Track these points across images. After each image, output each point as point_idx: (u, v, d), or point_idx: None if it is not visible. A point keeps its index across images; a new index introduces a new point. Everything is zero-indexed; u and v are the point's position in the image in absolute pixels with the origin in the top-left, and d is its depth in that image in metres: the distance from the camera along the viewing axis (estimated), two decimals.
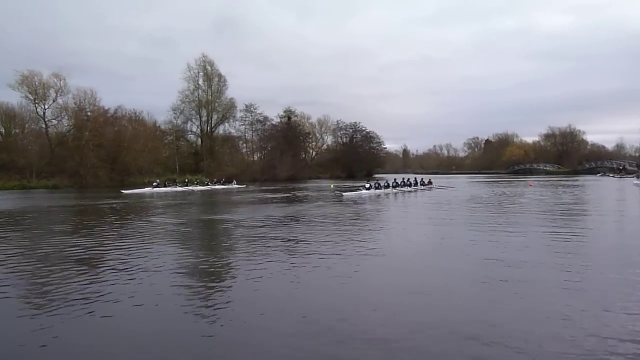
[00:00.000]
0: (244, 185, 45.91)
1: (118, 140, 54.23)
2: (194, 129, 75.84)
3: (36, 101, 52.05)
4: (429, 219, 16.85)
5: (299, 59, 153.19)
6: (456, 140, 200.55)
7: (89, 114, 55.24)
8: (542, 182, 50.32)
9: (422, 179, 38.54)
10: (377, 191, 30.31)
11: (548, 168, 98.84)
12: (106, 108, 63.22)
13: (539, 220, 15.58)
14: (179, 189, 37.96)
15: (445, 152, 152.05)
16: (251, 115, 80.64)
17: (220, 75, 74.74)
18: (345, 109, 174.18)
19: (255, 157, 79.31)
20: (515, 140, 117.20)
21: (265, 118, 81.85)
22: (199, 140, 75.82)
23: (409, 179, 35.78)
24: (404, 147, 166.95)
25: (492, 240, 11.42)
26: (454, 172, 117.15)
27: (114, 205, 24.80)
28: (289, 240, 11.82)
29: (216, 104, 75.03)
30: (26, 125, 54.27)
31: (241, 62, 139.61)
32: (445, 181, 57.32)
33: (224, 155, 72.50)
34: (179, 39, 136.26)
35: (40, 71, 51.91)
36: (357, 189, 30.38)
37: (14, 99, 53.61)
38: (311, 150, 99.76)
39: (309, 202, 26.31)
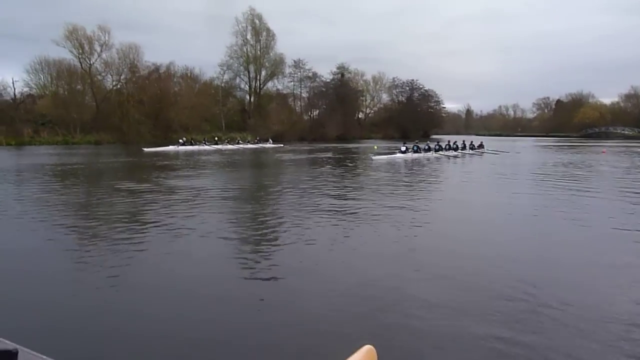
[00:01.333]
0: (281, 145, 43.70)
1: (160, 96, 53.35)
2: (242, 86, 74.22)
3: (81, 56, 51.81)
4: (453, 195, 13.72)
5: (357, 16, 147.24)
6: (524, 100, 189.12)
7: (134, 69, 54.54)
8: (618, 148, 44.40)
9: (471, 142, 34.51)
10: (415, 155, 26.99)
11: (627, 132, 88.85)
12: (157, 64, 63.15)
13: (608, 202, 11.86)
14: (206, 147, 36.28)
15: (512, 113, 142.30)
16: (300, 72, 77.68)
17: (268, 30, 72.06)
18: (405, 67, 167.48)
19: (305, 115, 76.49)
20: (590, 101, 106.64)
21: (315, 74, 78.58)
22: (247, 97, 74.32)
23: (455, 142, 31.99)
24: (467, 107, 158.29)
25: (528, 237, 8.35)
26: (519, 134, 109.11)
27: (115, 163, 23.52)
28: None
29: (264, 60, 72.67)
30: (72, 81, 54.29)
31: (299, 18, 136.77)
32: (507, 144, 52.54)
33: (271, 113, 70.34)
34: None
35: (83, 26, 51.27)
36: (394, 152, 27.34)
37: (61, 54, 53.60)
38: (364, 109, 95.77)
39: (329, 165, 23.66)
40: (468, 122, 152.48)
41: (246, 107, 72.27)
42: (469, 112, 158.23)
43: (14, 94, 47.30)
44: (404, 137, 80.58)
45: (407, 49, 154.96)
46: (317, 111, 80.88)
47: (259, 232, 8.30)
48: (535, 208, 10.56)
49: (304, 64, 77.03)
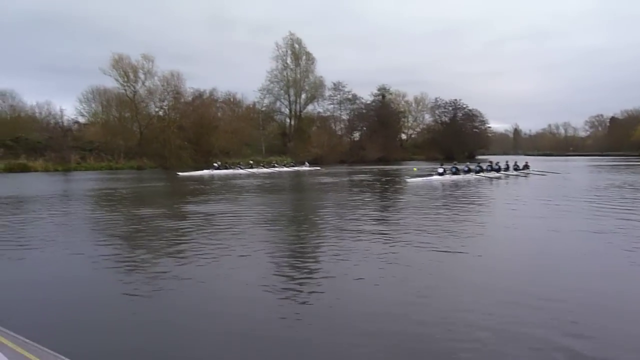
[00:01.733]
0: (318, 168, 43.06)
1: (201, 121, 54.28)
2: (283, 109, 74.73)
3: (126, 84, 53.60)
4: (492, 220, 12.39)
5: (398, 39, 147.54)
6: (576, 118, 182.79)
7: (176, 95, 55.91)
8: None
9: (515, 162, 32.60)
10: (454, 177, 25.54)
11: None
12: (201, 90, 64.74)
13: None
14: (241, 171, 36.11)
15: (563, 132, 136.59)
16: (340, 94, 77.52)
17: (308, 54, 72.48)
18: (449, 88, 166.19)
19: (345, 138, 75.90)
20: None
21: (355, 96, 78.19)
22: (288, 120, 74.73)
23: (497, 163, 30.26)
24: (514, 127, 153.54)
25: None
26: (571, 153, 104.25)
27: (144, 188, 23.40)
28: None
29: (304, 83, 73.04)
30: (120, 108, 56.19)
31: (339, 44, 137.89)
32: (557, 165, 49.77)
33: (311, 136, 70.21)
34: (282, 26, 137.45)
35: (128, 55, 53.19)
36: (431, 174, 26.00)
37: (109, 83, 55.73)
38: (406, 130, 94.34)
39: (361, 188, 22.68)
40: (516, 142, 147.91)
41: (286, 131, 72.57)
42: (517, 131, 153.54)
43: (62, 122, 49.32)
44: (448, 159, 78.18)
45: (450, 70, 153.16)
46: (358, 133, 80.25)
47: (299, 263, 7.49)
48: (589, 240, 9.22)
49: (344, 86, 76.96)
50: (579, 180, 26.34)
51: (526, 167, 32.58)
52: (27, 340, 1.38)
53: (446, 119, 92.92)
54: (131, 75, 53.94)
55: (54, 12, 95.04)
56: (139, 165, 48.21)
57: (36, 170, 41.99)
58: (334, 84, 76.22)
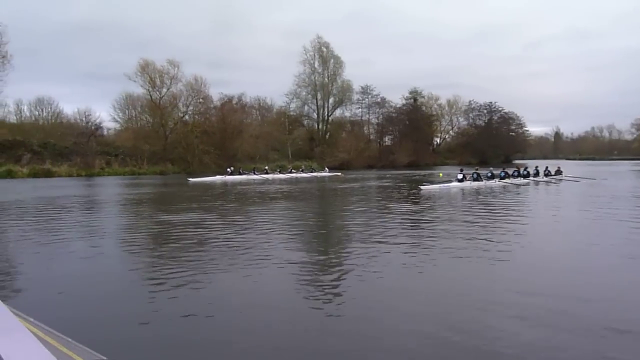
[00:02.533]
0: (338, 173, 41.62)
1: (224, 126, 53.89)
2: (311, 114, 73.67)
3: (151, 89, 53.73)
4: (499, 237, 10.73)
5: (433, 43, 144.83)
6: (621, 121, 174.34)
7: (201, 100, 55.79)
8: None
9: (546, 167, 30.32)
10: (475, 184, 23.63)
11: None
12: (230, 95, 64.64)
13: None
14: (255, 176, 35.09)
15: (607, 135, 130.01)
16: (368, 98, 75.88)
17: (336, 57, 71.13)
18: (486, 92, 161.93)
19: (374, 143, 74.03)
20: None
21: (384, 100, 76.31)
22: (316, 125, 73.58)
23: (526, 168, 28.13)
24: (555, 130, 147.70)
25: None
26: (615, 157, 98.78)
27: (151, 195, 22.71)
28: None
29: (332, 87, 71.81)
30: (144, 114, 56.49)
31: (374, 48, 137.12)
32: (597, 169, 46.74)
33: (339, 141, 68.86)
34: (316, 30, 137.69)
35: (153, 60, 53.32)
36: (450, 180, 24.13)
37: (135, 89, 56.11)
38: (439, 134, 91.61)
39: (372, 195, 21.24)
40: (557, 146, 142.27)
41: (314, 136, 71.38)
42: (557, 135, 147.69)
43: (90, 127, 49.84)
44: (483, 163, 75.37)
45: (487, 73, 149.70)
46: (388, 137, 78.45)
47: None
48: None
49: (372, 90, 75.29)
50: (614, 187, 23.96)
51: (558, 172, 30.23)
52: (70, 340, 1.39)
53: (480, 122, 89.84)
54: (158, 81, 54.05)
55: (97, 21, 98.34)
56: (162, 170, 48.08)
57: (60, 176, 42.28)
58: (362, 88, 74.83)
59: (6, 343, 0.91)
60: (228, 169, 36.01)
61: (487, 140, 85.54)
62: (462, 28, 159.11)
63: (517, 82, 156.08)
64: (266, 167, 40.94)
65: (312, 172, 40.77)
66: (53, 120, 59.02)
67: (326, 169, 43.67)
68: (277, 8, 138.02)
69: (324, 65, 70.94)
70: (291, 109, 71.77)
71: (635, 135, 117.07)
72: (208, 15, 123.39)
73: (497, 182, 24.40)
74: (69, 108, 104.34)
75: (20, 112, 59.89)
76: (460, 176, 23.33)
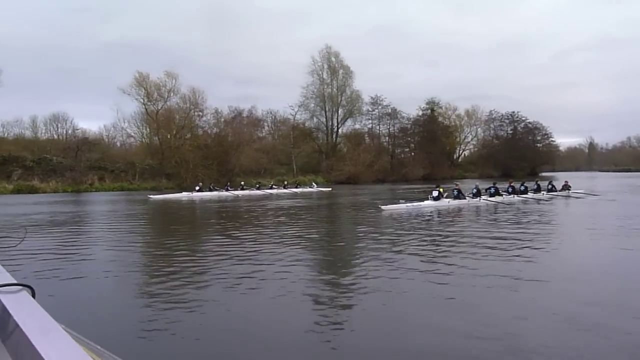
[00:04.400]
0: (329, 189, 38.60)
1: (220, 140, 51.94)
2: (320, 126, 71.07)
3: (147, 102, 52.32)
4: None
5: (459, 54, 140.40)
6: None
7: (199, 113, 54.17)
8: None
9: (550, 182, 26.55)
10: (456, 202, 20.25)
11: None
12: (240, 109, 63.03)
13: None
14: (227, 193, 32.39)
15: None
16: (378, 109, 72.72)
17: (345, 67, 68.76)
18: (515, 102, 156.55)
19: (384, 155, 70.45)
20: None
21: (395, 110, 72.90)
22: (325, 137, 70.97)
23: (523, 184, 24.45)
24: (589, 140, 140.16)
25: None
26: None
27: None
28: None
29: (341, 98, 69.21)
30: (141, 128, 55.25)
31: (402, 62, 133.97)
32: (627, 182, 42.28)
33: (348, 154, 65.93)
34: (340, 45, 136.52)
35: (148, 73, 51.96)
36: (423, 199, 20.68)
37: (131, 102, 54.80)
38: (458, 146, 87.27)
39: (316, 216, 18.37)
40: (591, 157, 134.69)
41: (323, 149, 68.65)
42: (592, 145, 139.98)
43: (74, 142, 48.72)
44: (506, 176, 70.76)
45: (515, 83, 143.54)
46: (400, 150, 75.02)
47: None
48: None
49: (382, 100, 72.13)
50: (622, 206, 20.32)
51: (566, 187, 26.46)
52: (99, 347, 1.36)
53: (503, 133, 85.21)
54: (155, 94, 52.67)
55: (131, 42, 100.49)
56: (153, 186, 46.28)
57: (45, 192, 41.07)
58: (372, 98, 71.75)
59: (45, 343, 0.93)
60: (197, 186, 33.52)
61: (511, 151, 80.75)
62: (488, 38, 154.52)
63: (548, 92, 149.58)
64: (242, 183, 38.14)
65: (296, 187, 37.81)
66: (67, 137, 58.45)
67: (314, 184, 40.67)
68: (302, 26, 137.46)
69: (332, 75, 68.57)
70: (299, 120, 69.42)
71: None
72: (234, 36, 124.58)
73: (483, 201, 20.92)
74: (96, 125, 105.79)
75: (36, 128, 59.79)
76: (435, 193, 20.01)
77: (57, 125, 59.97)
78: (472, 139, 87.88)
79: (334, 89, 68.52)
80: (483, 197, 21.47)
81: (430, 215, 16.89)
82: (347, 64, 69.00)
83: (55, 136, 58.80)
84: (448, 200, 20.20)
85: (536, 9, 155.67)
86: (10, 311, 1.12)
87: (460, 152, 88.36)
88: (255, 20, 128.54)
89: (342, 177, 58.89)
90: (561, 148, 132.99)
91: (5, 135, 56.36)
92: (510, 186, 23.43)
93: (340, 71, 68.65)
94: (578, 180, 65.37)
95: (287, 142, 64.56)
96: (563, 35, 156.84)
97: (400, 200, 19.92)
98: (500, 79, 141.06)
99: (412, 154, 74.83)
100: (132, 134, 56.46)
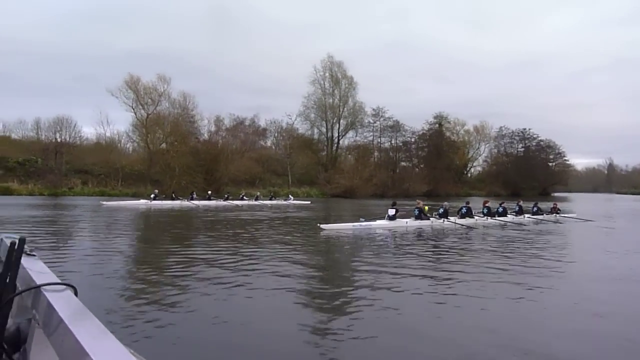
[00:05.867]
0: (308, 202, 36.30)
1: (208, 149, 50.21)
2: (321, 137, 68.97)
3: (136, 106, 50.90)
4: None
5: (475, 71, 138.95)
6: None
7: (190, 119, 52.62)
8: None
9: (535, 204, 23.85)
10: (417, 222, 17.73)
11: None
12: (242, 117, 61.64)
13: None
14: (187, 203, 30.13)
15: None
16: (380, 121, 70.32)
17: (348, 77, 66.64)
18: (530, 122, 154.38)
19: (385, 169, 67.74)
20: None
21: (398, 123, 70.42)
22: (325, 149, 68.79)
23: (501, 204, 21.89)
24: (609, 162, 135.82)
25: None
26: None
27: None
28: None
29: (344, 109, 67.05)
30: (132, 133, 53.92)
31: (418, 78, 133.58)
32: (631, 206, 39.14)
33: (347, 166, 63.58)
34: (354, 59, 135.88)
35: (139, 76, 50.58)
36: (376, 218, 18.18)
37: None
38: (468, 163, 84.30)
39: (249, 231, 16.17)
40: (610, 179, 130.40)
41: (322, 160, 66.34)
42: (611, 166, 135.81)
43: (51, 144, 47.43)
44: (515, 195, 67.59)
45: (531, 102, 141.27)
46: (403, 165, 72.44)
47: None
48: None
49: (384, 112, 69.76)
50: (616, 235, 17.75)
51: (555, 210, 23.78)
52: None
53: (513, 150, 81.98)
54: (147, 98, 51.27)
55: (147, 51, 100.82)
56: (135, 192, 44.59)
57: (20, 194, 39.73)
58: (374, 110, 69.50)
59: (89, 340, 0.96)
60: (152, 194, 31.52)
61: (521, 170, 77.65)
62: (503, 56, 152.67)
63: (563, 112, 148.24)
64: (209, 192, 35.80)
65: (271, 199, 35.55)
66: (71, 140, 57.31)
67: (290, 197, 38.33)
68: (318, 39, 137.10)
69: (335, 85, 66.53)
70: (299, 131, 67.50)
71: None
72: (250, 48, 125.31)
73: (449, 222, 18.37)
74: (110, 130, 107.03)
75: (38, 131, 58.72)
76: (392, 212, 17.62)
77: (60, 129, 59.29)
78: (480, 156, 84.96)
79: (336, 100, 66.46)
80: (451, 218, 18.97)
81: (374, 239, 14.52)
82: (351, 74, 67.03)
83: (59, 139, 58.08)
84: (406, 220, 17.75)
85: (552, 28, 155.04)
86: (56, 308, 1.16)
87: (469, 168, 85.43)
88: (273, 34, 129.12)
89: (338, 190, 56.58)
90: (579, 168, 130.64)
91: (7, 134, 55.66)
92: (484, 207, 20.86)
93: (343, 81, 66.65)
94: (593, 201, 62.47)
95: (284, 152, 62.58)
96: (579, 55, 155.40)
97: (361, 219, 17.61)
98: (514, 97, 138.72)
99: (416, 169, 72.18)
100: (130, 139, 55.49)
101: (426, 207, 20.23)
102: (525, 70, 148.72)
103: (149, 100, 51.11)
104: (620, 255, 11.54)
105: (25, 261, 1.51)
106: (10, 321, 1.36)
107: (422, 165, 72.25)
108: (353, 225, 16.21)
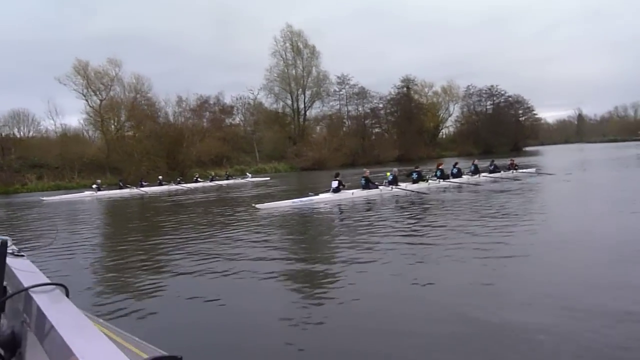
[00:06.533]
0: (267, 178, 35.32)
1: (166, 132, 48.44)
2: (287, 111, 67.26)
3: (87, 93, 48.59)
4: None
5: (444, 31, 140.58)
6: None
7: (146, 102, 50.60)
8: None
9: (473, 162, 22.92)
10: (364, 192, 16.83)
11: None
12: (205, 96, 59.57)
13: None
14: (137, 190, 28.42)
15: (632, 113, 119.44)
16: (345, 89, 68.87)
17: (310, 47, 64.62)
18: (500, 79, 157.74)
19: (354, 138, 66.61)
20: None
21: (364, 90, 69.06)
22: (292, 122, 67.27)
23: (456, 164, 21.12)
24: (578, 112, 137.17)
25: None
26: (638, 138, 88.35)
27: None
28: None
29: (308, 80, 65.32)
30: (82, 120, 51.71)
31: (388, 42, 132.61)
32: (607, 152, 39.25)
33: (316, 138, 62.46)
34: (325, 29, 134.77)
35: (88, 60, 48.11)
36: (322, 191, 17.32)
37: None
38: (439, 125, 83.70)
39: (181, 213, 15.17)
40: (580, 129, 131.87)
41: (290, 135, 64.83)
42: (581, 117, 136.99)
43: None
44: (487, 153, 67.58)
45: (502, 59, 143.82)
46: (373, 131, 71.47)
47: None
48: None
49: (349, 79, 68.24)
50: (573, 188, 17.25)
51: (513, 166, 23.15)
52: (136, 338, 1.45)
53: (481, 108, 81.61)
54: (98, 84, 48.97)
55: (119, 34, 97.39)
56: (92, 183, 42.90)
57: None
58: (339, 78, 67.76)
59: (79, 341, 0.96)
60: (94, 184, 30.08)
61: (491, 127, 77.34)
62: (472, 15, 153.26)
63: (535, 66, 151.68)
64: (160, 177, 34.08)
65: (227, 179, 34.32)
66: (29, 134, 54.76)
67: (248, 175, 37.18)
68: (286, 9, 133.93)
69: (297, 56, 64.63)
70: (264, 105, 65.70)
71: None
72: (217, 23, 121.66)
73: (395, 190, 17.53)
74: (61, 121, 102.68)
75: None
76: (335, 184, 16.73)
77: (17, 122, 56.55)
78: (450, 117, 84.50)
79: (299, 70, 64.67)
80: (402, 184, 18.16)
81: (312, 214, 13.61)
82: (313, 43, 65.07)
83: (18, 135, 55.49)
84: (352, 191, 16.85)
85: None
86: (45, 311, 1.15)
87: (441, 130, 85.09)
88: (235, 7, 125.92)
89: (307, 163, 55.48)
90: (550, 121, 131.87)
91: None
92: (438, 169, 20.07)
93: (305, 51, 64.71)
94: (562, 153, 62.62)
95: (249, 129, 61.08)
96: (547, 9, 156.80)
97: (310, 193, 16.71)
98: (487, 55, 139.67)
99: (386, 135, 71.38)
100: (85, 128, 53.19)
101: (388, 174, 19.38)
102: (495, 28, 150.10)
103: (101, 85, 48.84)
104: (570, 214, 10.87)
105: (13, 262, 1.48)
106: (4, 324, 1.33)
107: (393, 131, 71.36)
108: (293, 202, 15.21)
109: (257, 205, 14.57)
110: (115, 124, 48.32)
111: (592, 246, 7.25)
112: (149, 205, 21.23)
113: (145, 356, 1.19)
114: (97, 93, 48.73)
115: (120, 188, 29.14)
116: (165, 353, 1.06)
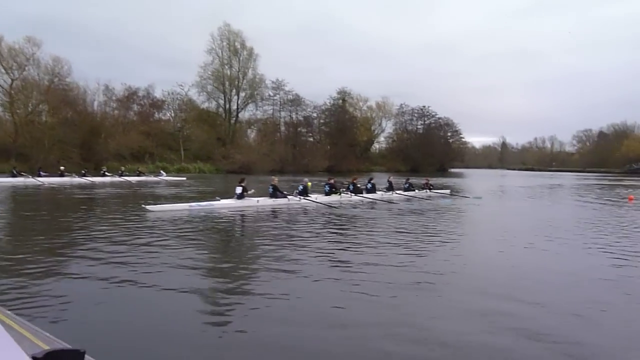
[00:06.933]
0: (183, 178, 33.97)
1: (84, 120, 45.43)
2: (219, 110, 65.44)
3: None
4: None
5: (384, 56, 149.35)
6: (563, 133, 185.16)
7: (65, 87, 47.20)
8: None
9: (407, 180, 23.19)
10: (269, 202, 16.26)
11: None
12: (134, 87, 56.49)
13: None
14: (33, 180, 26.09)
15: (549, 146, 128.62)
16: (280, 94, 68.23)
17: (247, 48, 63.40)
18: (437, 101, 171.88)
19: (285, 144, 66.00)
20: (637, 132, 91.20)
21: (298, 97, 68.81)
22: (224, 123, 65.49)
23: (370, 181, 21.07)
24: (502, 140, 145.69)
25: None
26: (553, 169, 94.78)
27: None
28: None
29: (242, 81, 63.94)
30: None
31: (328, 58, 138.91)
32: (517, 180, 41.03)
33: (246, 141, 61.20)
34: (268, 38, 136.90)
35: (1, 34, 44.20)
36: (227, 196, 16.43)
37: None
38: (368, 138, 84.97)
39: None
40: (503, 156, 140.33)
41: (219, 135, 62.92)
42: (504, 145, 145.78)
43: None
44: (414, 171, 69.26)
45: (439, 85, 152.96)
46: (304, 140, 71.22)
47: None
48: None
49: (284, 85, 67.77)
50: (479, 210, 17.48)
51: (427, 186, 23.42)
52: (32, 325, 1.40)
53: (412, 127, 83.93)
54: (11, 62, 45.06)
55: (51, 16, 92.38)
56: None
57: None
58: (274, 82, 67.12)
59: None
60: (13, 170, 27.56)
61: (420, 147, 79.69)
62: (413, 42, 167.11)
63: (467, 95, 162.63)
64: (62, 167, 31.61)
65: (138, 175, 32.56)
66: None
67: (162, 172, 35.56)
68: (235, 14, 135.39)
69: (233, 56, 63.13)
70: (196, 102, 63.54)
71: (576, 148, 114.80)
72: (160, 18, 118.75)
73: (303, 201, 17.05)
74: None
75: None
76: (239, 190, 15.92)
77: None
78: (382, 132, 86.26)
79: (235, 71, 63.21)
80: (312, 196, 17.65)
81: (210, 221, 12.61)
82: (251, 45, 63.91)
83: None
84: (257, 199, 16.11)
85: (455, 16, 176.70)
86: None
87: (367, 144, 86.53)
88: (187, 4, 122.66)
89: (234, 166, 54.09)
90: (477, 146, 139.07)
91: None
92: (351, 183, 19.80)
93: (243, 52, 63.44)
94: (487, 177, 65.46)
95: (176, 126, 58.74)
96: (482, 43, 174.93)
97: (216, 198, 15.74)
98: (422, 82, 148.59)
99: (318, 144, 71.39)
100: None
101: (309, 183, 18.88)
102: (432, 55, 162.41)
103: (14, 64, 44.99)
104: (472, 238, 10.73)
105: None
106: None
107: (324, 141, 71.52)
108: (190, 206, 14.23)
109: (148, 207, 13.44)
110: (29, 106, 44.46)
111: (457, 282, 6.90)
112: (33, 198, 19.32)
113: (46, 347, 1.12)
114: (9, 72, 44.80)
115: (14, 176, 26.49)
116: (68, 345, 0.99)
